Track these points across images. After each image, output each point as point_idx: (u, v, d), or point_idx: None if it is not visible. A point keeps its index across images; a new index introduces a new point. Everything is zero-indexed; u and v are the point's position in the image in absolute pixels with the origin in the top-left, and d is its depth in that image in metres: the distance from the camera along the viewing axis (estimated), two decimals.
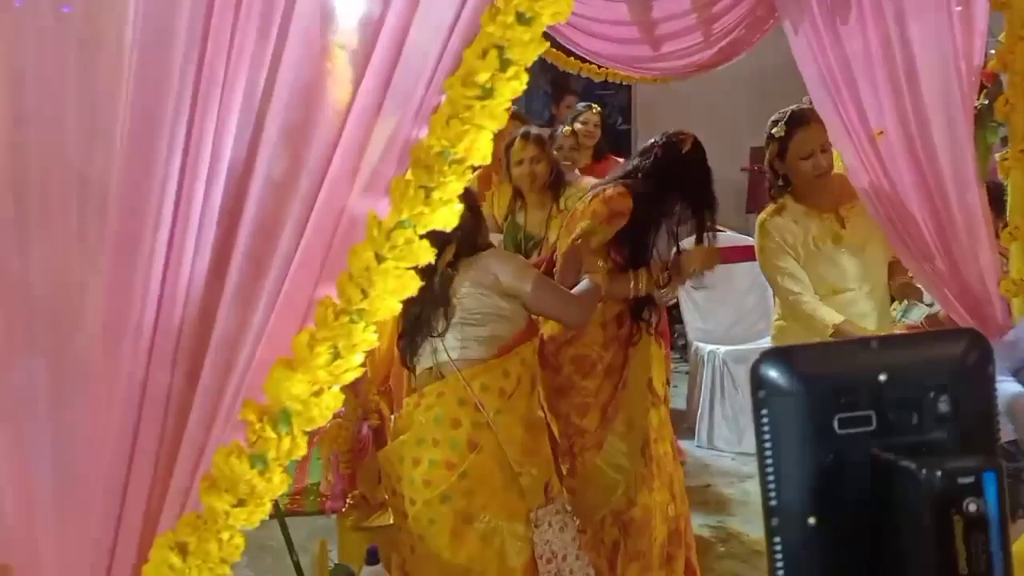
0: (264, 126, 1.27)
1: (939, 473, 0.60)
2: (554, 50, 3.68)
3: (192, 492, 1.28)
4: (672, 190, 3.09)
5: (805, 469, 0.64)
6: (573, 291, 2.85)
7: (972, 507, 0.60)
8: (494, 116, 1.15)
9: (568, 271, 2.98)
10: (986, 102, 3.40)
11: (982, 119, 3.25)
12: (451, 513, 2.50)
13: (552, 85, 6.74)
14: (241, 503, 1.22)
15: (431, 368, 2.62)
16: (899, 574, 0.63)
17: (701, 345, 5.46)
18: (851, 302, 3.10)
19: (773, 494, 0.65)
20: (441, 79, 1.20)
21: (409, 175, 1.19)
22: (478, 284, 2.62)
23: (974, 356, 0.66)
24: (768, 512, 0.65)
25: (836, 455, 0.64)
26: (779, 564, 0.65)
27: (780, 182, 3.15)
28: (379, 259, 1.19)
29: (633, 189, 3.06)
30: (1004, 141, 3.50)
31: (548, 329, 3.05)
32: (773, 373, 0.65)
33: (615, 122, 6.18)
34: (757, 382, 0.66)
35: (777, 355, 0.66)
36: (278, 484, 1.24)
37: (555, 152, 4.76)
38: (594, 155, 4.90)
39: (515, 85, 1.15)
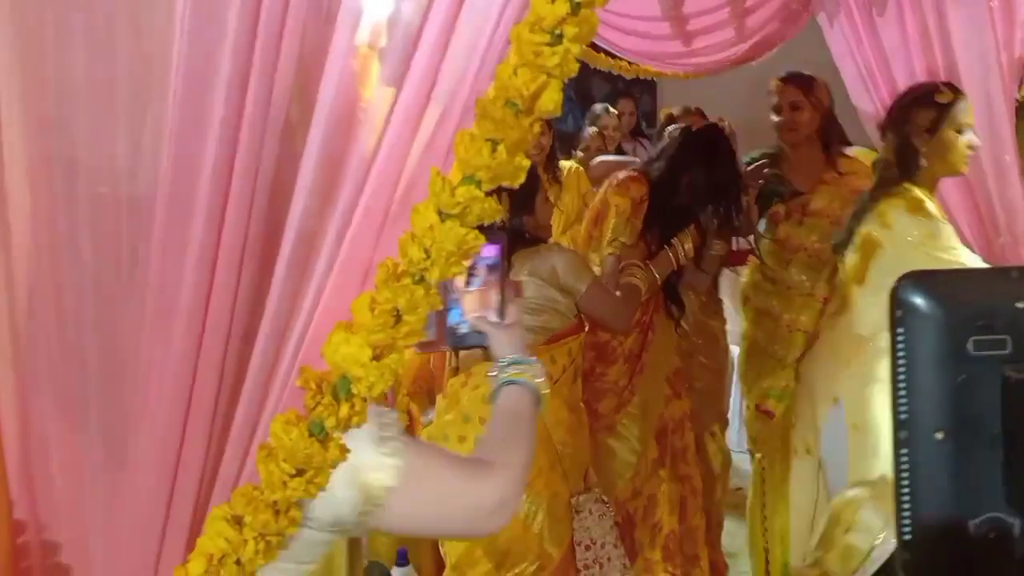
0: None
1: None
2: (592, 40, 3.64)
3: (247, 463, 1.24)
4: (684, 170, 3.09)
5: (936, 386, 0.66)
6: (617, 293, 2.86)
7: None
8: (565, 63, 1.11)
9: (611, 280, 3.00)
10: None
11: (1023, 112, 3.20)
12: None
13: (576, 93, 6.75)
14: (299, 472, 1.17)
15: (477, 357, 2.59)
16: (1019, 479, 0.66)
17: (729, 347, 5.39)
18: None
19: (904, 408, 0.67)
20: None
21: (475, 128, 1.15)
22: (536, 274, 2.63)
23: None
24: (897, 425, 0.67)
25: (968, 375, 0.66)
26: (904, 475, 0.67)
27: (917, 162, 2.84)
28: (443, 217, 1.14)
29: (647, 173, 3.07)
30: None
31: None
32: (912, 294, 0.67)
33: (639, 126, 6.18)
34: (896, 302, 0.68)
35: (917, 278, 0.69)
36: (337, 454, 1.19)
37: (581, 153, 4.81)
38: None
39: (586, 30, 1.11)
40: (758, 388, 3.44)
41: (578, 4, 1.10)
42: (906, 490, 0.68)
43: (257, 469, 1.19)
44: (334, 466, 1.19)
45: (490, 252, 1.55)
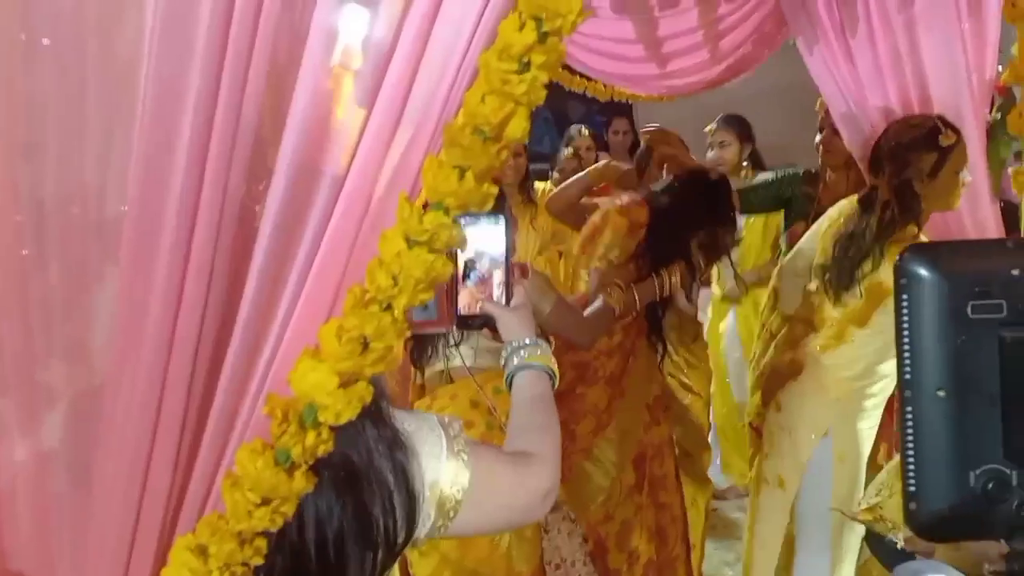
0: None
1: None
2: (558, 69, 3.65)
3: (212, 493, 1.22)
4: (688, 214, 3.11)
5: (937, 348, 0.72)
6: (586, 312, 2.84)
7: None
8: (532, 91, 1.11)
9: (592, 292, 3.02)
10: (999, 116, 3.38)
11: (994, 133, 3.22)
12: None
13: (553, 115, 6.78)
14: (265, 502, 1.16)
15: (442, 371, 2.58)
16: (1015, 432, 0.72)
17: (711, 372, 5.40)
18: None
19: (908, 369, 0.73)
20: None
21: (443, 155, 1.14)
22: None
23: None
24: (902, 385, 0.74)
25: (967, 337, 0.72)
26: (909, 431, 0.73)
27: (917, 205, 2.80)
28: (411, 244, 1.14)
29: (651, 201, 3.09)
30: (1017, 156, 3.48)
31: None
32: (916, 264, 0.74)
33: (637, 144, 6.21)
34: (901, 272, 0.74)
35: (920, 249, 0.75)
36: (303, 483, 1.17)
37: (557, 174, 4.83)
38: None
39: (554, 58, 1.11)
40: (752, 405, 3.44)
41: (545, 33, 1.10)
42: (910, 445, 0.74)
43: (222, 498, 1.18)
44: (299, 496, 1.18)
45: (495, 234, 1.53)
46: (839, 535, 3.01)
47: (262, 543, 1.19)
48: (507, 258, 1.54)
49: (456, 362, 2.60)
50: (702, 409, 3.86)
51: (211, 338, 1.22)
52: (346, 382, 1.15)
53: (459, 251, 1.48)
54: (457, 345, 2.58)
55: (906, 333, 0.73)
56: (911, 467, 0.74)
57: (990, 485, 0.72)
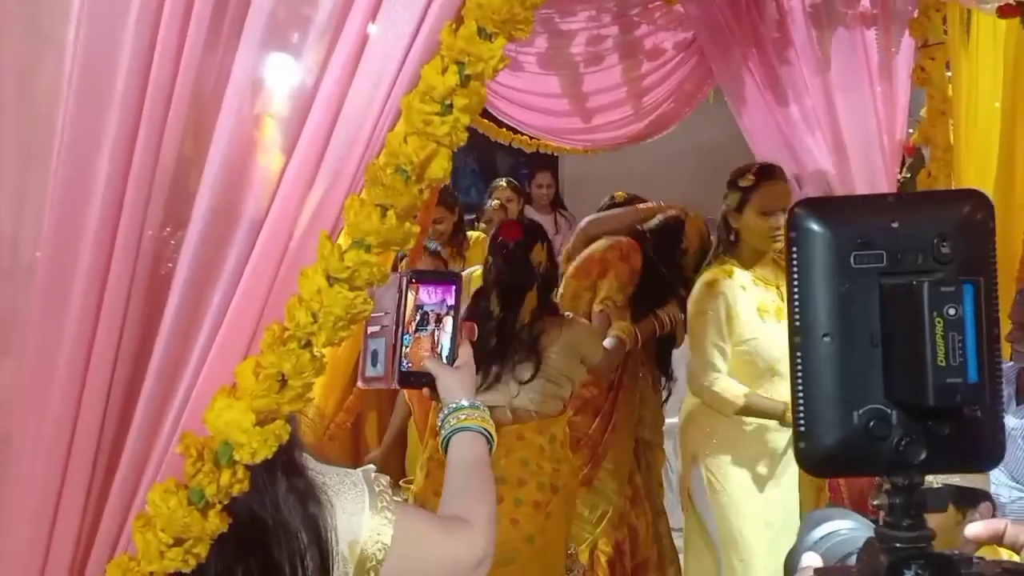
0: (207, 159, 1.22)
1: (926, 283, 0.73)
2: (485, 120, 3.70)
3: (123, 535, 1.19)
4: (677, 256, 3.42)
5: (824, 296, 0.77)
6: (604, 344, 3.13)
7: (951, 311, 0.72)
8: (454, 132, 1.13)
9: (602, 330, 3.25)
10: (908, 175, 3.51)
11: (905, 191, 3.35)
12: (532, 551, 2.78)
13: (480, 167, 6.84)
14: (178, 542, 1.13)
15: (502, 407, 2.83)
16: (893, 373, 0.76)
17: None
18: (782, 383, 3.00)
19: (798, 316, 0.77)
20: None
21: (364, 193, 1.15)
22: (569, 350, 2.93)
23: (977, 212, 0.78)
24: (793, 331, 0.78)
25: (851, 286, 0.76)
26: (799, 375, 0.77)
27: (731, 237, 3.05)
28: (331, 281, 1.14)
29: (643, 246, 3.39)
30: None
31: None
32: (805, 219, 0.78)
33: (558, 198, 6.35)
34: (792, 225, 0.78)
35: (810, 203, 0.79)
36: (216, 523, 1.15)
37: (484, 224, 4.88)
38: None
39: (475, 102, 1.13)
40: None
41: (468, 76, 1.12)
42: (800, 387, 0.77)
43: (133, 540, 1.15)
44: (213, 536, 1.16)
45: (445, 293, 1.52)
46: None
47: None
48: (455, 317, 1.54)
49: (521, 403, 2.88)
50: None
51: (125, 377, 1.20)
52: (263, 420, 1.14)
53: (407, 308, 1.48)
54: (527, 383, 2.85)
55: (796, 283, 0.78)
56: (800, 408, 0.78)
57: (872, 423, 0.76)
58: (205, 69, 1.20)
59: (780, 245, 2.97)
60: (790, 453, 2.83)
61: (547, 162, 5.80)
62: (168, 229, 1.20)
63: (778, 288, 3.01)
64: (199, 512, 1.14)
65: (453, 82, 1.12)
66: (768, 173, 3.03)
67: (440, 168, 1.14)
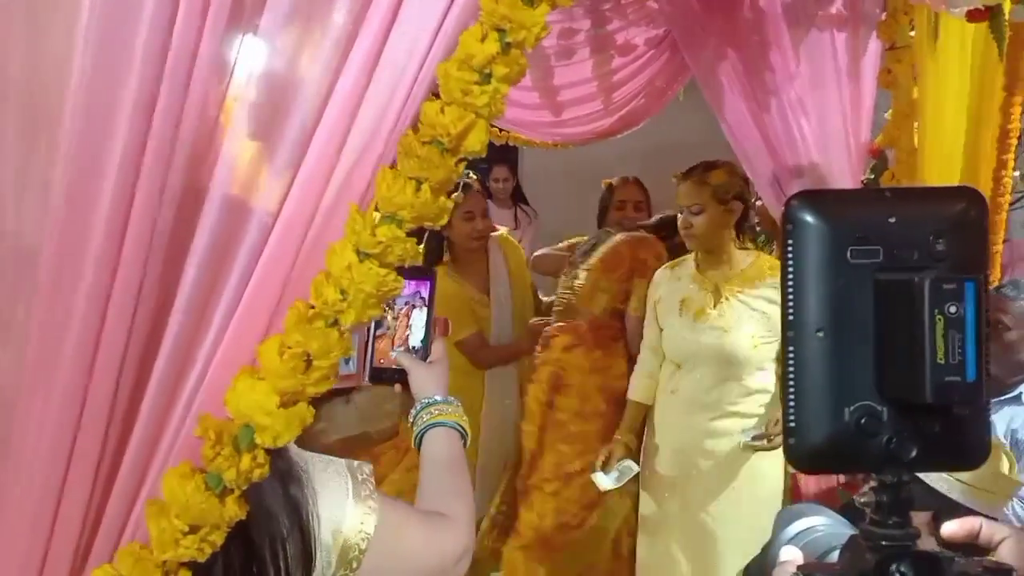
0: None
1: (927, 280, 0.72)
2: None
3: (131, 521, 1.13)
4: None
5: (818, 291, 0.76)
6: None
7: (952, 309, 0.72)
8: (493, 103, 1.08)
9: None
10: (871, 176, 3.54)
11: None
12: None
13: None
14: (193, 530, 1.08)
15: None
16: (888, 370, 0.75)
17: None
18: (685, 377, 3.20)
19: (791, 311, 0.77)
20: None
21: (398, 166, 1.10)
22: None
23: (971, 209, 0.78)
24: (786, 326, 0.77)
25: (846, 280, 0.76)
26: (791, 370, 0.77)
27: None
28: (362, 256, 1.08)
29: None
30: None
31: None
32: (801, 211, 0.77)
33: (518, 191, 6.43)
34: (788, 217, 0.77)
35: (806, 196, 0.78)
36: (235, 510, 1.10)
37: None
38: None
39: (515, 71, 1.09)
40: None
41: (508, 44, 1.08)
42: (791, 383, 0.77)
43: (144, 526, 1.09)
44: (231, 523, 1.10)
45: (419, 287, 1.50)
46: None
47: (186, 575, 1.10)
48: (429, 312, 1.51)
49: None
50: None
51: (136, 356, 1.14)
52: (286, 402, 1.09)
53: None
54: None
55: (791, 276, 0.77)
56: (791, 404, 0.77)
57: (863, 420, 0.76)
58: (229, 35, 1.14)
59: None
60: None
61: (505, 156, 5.75)
62: (186, 202, 1.14)
63: (716, 295, 3.16)
64: (216, 498, 1.09)
65: (493, 50, 1.08)
66: (687, 172, 3.23)
67: (477, 140, 1.10)
